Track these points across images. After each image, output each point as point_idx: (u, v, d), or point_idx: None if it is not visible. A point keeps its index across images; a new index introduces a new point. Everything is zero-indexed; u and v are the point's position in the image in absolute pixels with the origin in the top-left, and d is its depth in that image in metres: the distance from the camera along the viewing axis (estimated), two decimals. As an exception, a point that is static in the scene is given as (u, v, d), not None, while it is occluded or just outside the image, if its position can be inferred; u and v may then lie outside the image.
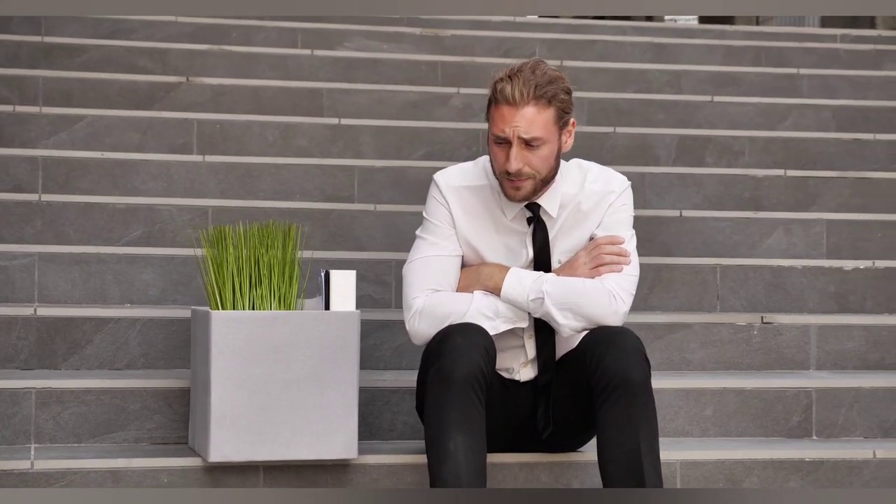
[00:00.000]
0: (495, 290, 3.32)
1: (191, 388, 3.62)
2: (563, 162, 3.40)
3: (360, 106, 6.02)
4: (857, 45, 7.76)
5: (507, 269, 3.34)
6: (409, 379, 3.86)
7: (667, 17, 18.12)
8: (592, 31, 7.44)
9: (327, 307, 3.42)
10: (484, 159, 3.46)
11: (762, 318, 4.40)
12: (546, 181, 3.33)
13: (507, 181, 3.30)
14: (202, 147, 5.48)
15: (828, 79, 7.02)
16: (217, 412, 3.32)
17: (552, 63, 6.88)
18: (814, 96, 6.84)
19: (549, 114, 3.27)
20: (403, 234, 4.87)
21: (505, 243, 3.39)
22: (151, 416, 3.71)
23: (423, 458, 3.53)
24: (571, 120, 3.34)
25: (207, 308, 3.46)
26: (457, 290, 3.36)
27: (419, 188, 5.28)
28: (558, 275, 3.33)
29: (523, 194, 3.31)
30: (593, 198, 3.39)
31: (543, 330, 3.39)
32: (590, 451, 3.59)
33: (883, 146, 6.15)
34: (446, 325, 3.27)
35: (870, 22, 10.97)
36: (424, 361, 3.25)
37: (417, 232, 3.43)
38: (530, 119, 3.25)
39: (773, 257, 5.08)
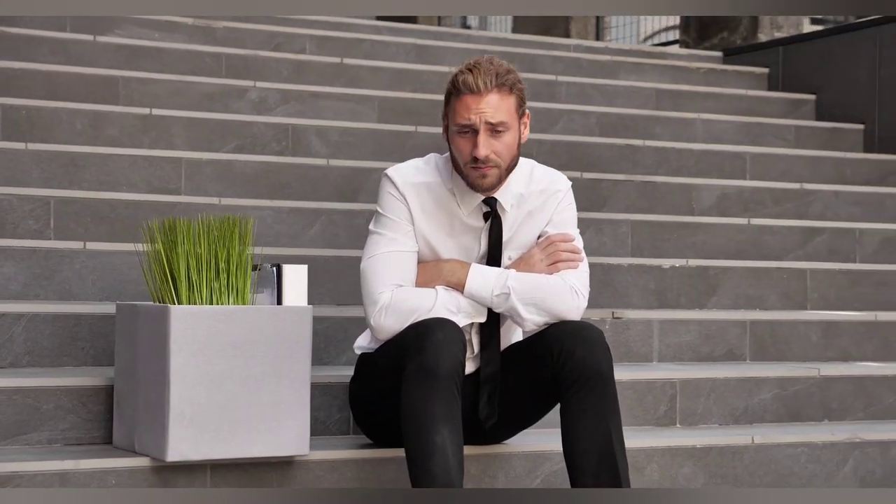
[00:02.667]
0: (458, 286, 3.38)
1: (116, 387, 3.48)
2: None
3: (157, 96, 5.86)
4: (593, 55, 8.17)
5: (468, 265, 3.40)
6: (317, 375, 3.85)
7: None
8: (358, 29, 7.51)
9: (279, 302, 3.38)
10: (435, 157, 3.50)
11: (613, 313, 4.64)
12: (508, 171, 3.41)
13: (473, 170, 3.36)
14: (7, 133, 5.21)
15: (582, 86, 7.38)
16: (176, 410, 3.22)
17: (329, 60, 6.89)
18: (574, 102, 7.17)
19: (511, 101, 3.36)
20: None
21: (458, 239, 3.45)
22: (65, 416, 3.53)
23: (361, 454, 3.56)
24: (526, 111, 3.44)
25: (150, 302, 3.35)
26: (416, 286, 3.40)
27: (245, 182, 5.23)
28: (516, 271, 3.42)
29: (490, 182, 3.37)
30: (540, 196, 3.50)
31: (488, 323, 3.47)
32: (516, 444, 3.70)
33: (650, 152, 6.55)
34: (411, 320, 3.30)
35: (564, 30, 11.45)
36: (398, 356, 3.24)
37: (372, 227, 3.43)
38: (495, 105, 3.34)
39: (587, 255, 5.32)
